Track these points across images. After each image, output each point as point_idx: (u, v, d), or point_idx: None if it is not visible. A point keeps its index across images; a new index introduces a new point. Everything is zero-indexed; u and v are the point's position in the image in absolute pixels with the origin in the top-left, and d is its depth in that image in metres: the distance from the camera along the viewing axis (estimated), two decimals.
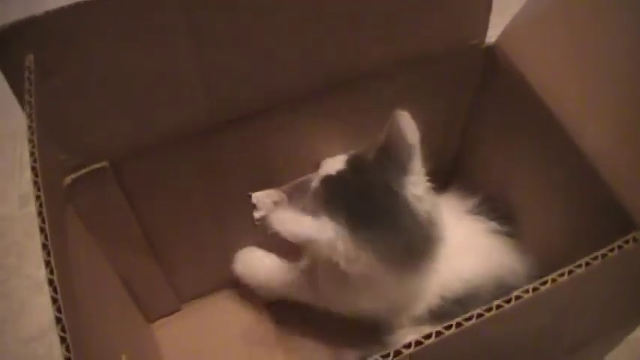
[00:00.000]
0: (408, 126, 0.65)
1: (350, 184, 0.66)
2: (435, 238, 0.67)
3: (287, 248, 0.81)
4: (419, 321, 0.70)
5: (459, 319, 0.38)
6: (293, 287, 0.79)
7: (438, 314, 0.69)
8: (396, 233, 0.64)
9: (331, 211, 0.63)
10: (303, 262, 0.78)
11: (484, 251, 0.72)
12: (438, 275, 0.69)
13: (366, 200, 0.64)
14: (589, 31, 0.64)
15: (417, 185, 0.65)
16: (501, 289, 0.68)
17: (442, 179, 0.80)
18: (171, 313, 0.88)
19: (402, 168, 0.65)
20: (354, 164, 0.67)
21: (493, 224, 0.75)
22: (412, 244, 0.65)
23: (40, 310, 0.94)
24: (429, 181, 0.68)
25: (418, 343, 0.36)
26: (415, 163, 0.65)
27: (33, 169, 0.43)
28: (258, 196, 0.78)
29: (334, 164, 0.69)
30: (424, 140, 0.85)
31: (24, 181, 1.11)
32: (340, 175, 0.67)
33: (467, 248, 0.72)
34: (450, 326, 0.37)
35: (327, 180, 0.67)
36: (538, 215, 0.76)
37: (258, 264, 0.82)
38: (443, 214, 0.70)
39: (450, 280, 0.69)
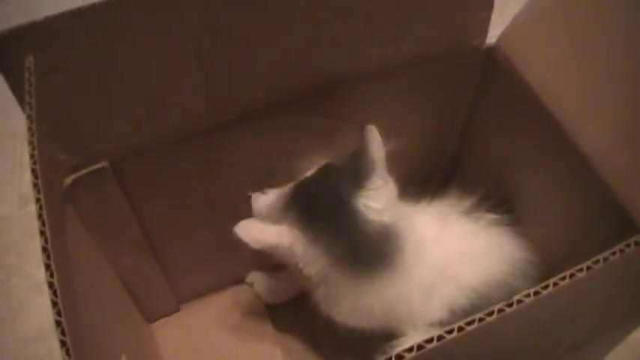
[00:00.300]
0: (374, 141, 0.67)
1: (310, 190, 0.68)
2: (390, 249, 0.67)
3: None
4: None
5: (460, 324, 0.38)
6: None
7: (445, 324, 0.68)
8: (343, 239, 0.65)
9: (290, 218, 0.66)
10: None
11: (488, 254, 0.72)
12: (444, 288, 0.69)
13: (320, 207, 0.66)
14: (589, 31, 0.64)
15: (374, 198, 0.66)
16: (508, 289, 0.68)
17: (442, 179, 0.80)
18: (171, 313, 0.88)
19: (361, 179, 0.67)
20: (322, 172, 0.69)
21: (492, 216, 0.74)
22: (360, 251, 0.66)
23: (40, 309, 0.94)
24: (421, 185, 0.71)
25: (420, 347, 0.36)
26: (375, 178, 0.67)
27: (33, 171, 0.43)
28: (258, 196, 0.78)
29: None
30: (424, 139, 0.85)
31: (24, 180, 1.11)
32: (305, 181, 0.69)
33: (470, 257, 0.72)
34: (452, 330, 0.37)
35: (295, 187, 0.69)
36: (538, 215, 0.76)
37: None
38: (431, 225, 0.72)
39: (458, 293, 0.69)
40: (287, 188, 0.70)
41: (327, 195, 0.66)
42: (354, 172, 0.67)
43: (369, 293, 0.68)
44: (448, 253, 0.70)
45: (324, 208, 0.66)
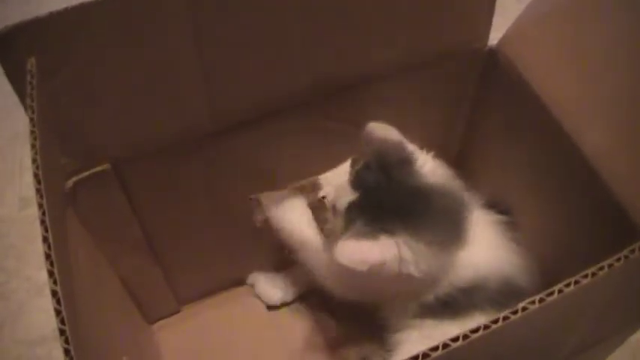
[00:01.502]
0: (386, 129, 0.66)
1: (377, 199, 0.65)
2: (465, 204, 0.69)
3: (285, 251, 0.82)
4: (424, 311, 0.70)
5: (465, 332, 0.38)
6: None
7: (444, 301, 0.68)
8: (441, 218, 0.65)
9: (382, 229, 0.62)
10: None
11: (493, 242, 0.73)
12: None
13: (402, 205, 0.64)
14: (589, 33, 0.64)
15: (426, 164, 0.67)
16: (504, 285, 0.68)
17: None
18: (172, 314, 0.88)
19: (406, 162, 0.66)
20: (364, 184, 0.66)
21: (500, 217, 0.75)
22: (455, 220, 0.67)
23: (40, 312, 0.93)
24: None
25: (425, 355, 0.36)
26: (412, 151, 0.67)
27: (35, 175, 0.42)
28: (259, 199, 0.78)
29: (342, 191, 0.68)
30: (425, 141, 0.85)
31: (24, 183, 1.11)
32: (363, 197, 0.66)
33: (478, 237, 0.72)
34: (457, 338, 0.37)
35: (354, 206, 0.66)
36: (538, 216, 0.76)
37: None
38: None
39: (460, 266, 0.69)
40: (344, 204, 0.66)
41: (399, 190, 0.65)
42: (394, 163, 0.65)
43: (456, 257, 0.67)
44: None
45: (409, 203, 0.64)
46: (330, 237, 0.73)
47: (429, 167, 0.67)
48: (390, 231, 0.62)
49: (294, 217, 0.77)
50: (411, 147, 0.67)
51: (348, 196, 0.66)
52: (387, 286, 0.67)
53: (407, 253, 0.62)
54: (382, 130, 0.65)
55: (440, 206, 0.65)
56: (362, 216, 0.64)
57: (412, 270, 0.62)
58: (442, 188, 0.66)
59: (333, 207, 0.68)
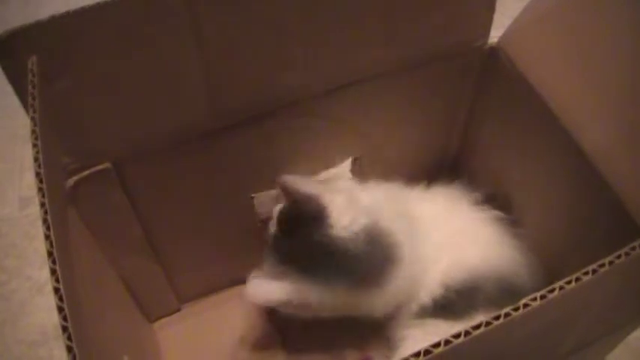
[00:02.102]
0: (302, 183, 0.68)
1: (286, 246, 0.69)
2: (386, 247, 0.68)
3: None
4: (423, 313, 0.71)
5: (467, 328, 0.38)
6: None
7: (441, 304, 0.70)
8: (342, 272, 0.66)
9: (287, 274, 0.67)
10: None
11: (486, 240, 0.73)
12: (441, 263, 0.70)
13: (306, 258, 0.67)
14: (590, 31, 0.64)
15: (341, 218, 0.67)
16: (503, 284, 0.69)
17: (443, 178, 0.80)
18: (172, 313, 0.88)
19: (318, 217, 0.67)
20: (281, 228, 0.70)
21: (495, 213, 0.76)
22: (363, 266, 0.67)
23: (41, 311, 0.93)
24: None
25: (427, 352, 0.36)
26: (325, 204, 0.67)
27: (37, 174, 0.43)
28: (261, 198, 0.78)
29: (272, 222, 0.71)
30: (425, 139, 0.85)
31: (24, 182, 1.11)
32: (277, 238, 0.70)
33: (469, 237, 0.74)
34: (459, 335, 0.37)
35: (273, 241, 0.70)
36: (539, 215, 0.76)
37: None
38: (432, 205, 0.75)
39: (453, 268, 0.70)
40: (270, 234, 0.71)
41: (302, 242, 0.67)
42: (308, 213, 0.67)
43: (384, 292, 0.68)
44: (449, 230, 0.73)
45: (308, 255, 0.66)
46: None
47: (344, 221, 0.67)
48: (293, 277, 0.66)
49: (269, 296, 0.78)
50: (327, 199, 0.67)
51: (273, 227, 0.70)
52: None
53: (313, 297, 0.66)
54: (296, 183, 0.68)
55: (343, 262, 0.66)
56: (275, 254, 0.69)
57: (322, 308, 0.67)
58: (351, 243, 0.66)
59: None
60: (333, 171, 0.79)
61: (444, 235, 0.72)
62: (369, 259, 0.66)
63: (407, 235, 0.69)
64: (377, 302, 0.69)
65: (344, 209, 0.67)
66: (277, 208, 0.71)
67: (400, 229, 0.69)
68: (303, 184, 0.68)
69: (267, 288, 0.67)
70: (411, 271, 0.69)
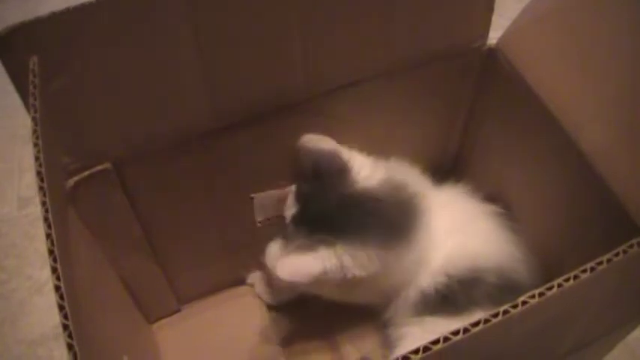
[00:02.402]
0: (321, 140, 0.68)
1: (314, 211, 0.68)
2: (410, 199, 0.69)
3: None
4: (423, 305, 0.71)
5: (466, 325, 0.38)
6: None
7: (442, 293, 0.70)
8: (378, 221, 0.66)
9: (320, 240, 0.65)
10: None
11: (487, 234, 0.74)
12: (444, 249, 0.71)
13: (338, 214, 0.66)
14: (588, 32, 0.65)
15: (362, 170, 0.68)
16: (502, 279, 0.70)
17: (442, 178, 0.80)
18: (172, 314, 0.88)
19: (341, 171, 0.68)
20: (303, 197, 0.69)
21: (495, 210, 0.76)
22: (395, 219, 0.67)
23: (40, 311, 0.93)
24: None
25: (426, 348, 0.36)
26: (347, 159, 0.68)
27: (38, 173, 0.43)
28: (260, 198, 0.78)
29: (289, 204, 0.71)
30: (424, 140, 0.85)
31: (23, 182, 1.12)
32: (303, 209, 0.69)
33: (472, 227, 0.74)
34: (458, 332, 0.37)
35: (296, 219, 0.69)
36: (537, 214, 0.76)
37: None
38: (439, 194, 0.75)
39: (456, 256, 0.70)
40: (289, 217, 0.69)
41: (334, 200, 0.66)
42: (331, 173, 0.68)
43: (404, 259, 0.68)
44: (452, 219, 0.73)
45: (339, 211, 0.66)
46: None
47: (365, 172, 0.68)
48: (327, 241, 0.64)
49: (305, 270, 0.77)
50: (347, 155, 0.68)
51: (292, 208, 0.69)
52: (355, 286, 0.68)
53: (347, 260, 0.64)
54: (316, 141, 0.68)
55: (376, 210, 0.66)
56: (302, 229, 0.66)
57: (357, 272, 0.64)
58: (379, 191, 0.67)
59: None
60: None
61: (448, 223, 0.73)
62: (397, 206, 0.67)
63: (423, 189, 0.71)
64: (399, 269, 0.69)
65: (363, 163, 0.68)
66: (292, 188, 0.71)
67: (416, 183, 0.71)
68: (323, 141, 0.68)
69: (303, 262, 0.63)
70: (427, 237, 0.70)
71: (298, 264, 0.63)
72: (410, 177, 0.73)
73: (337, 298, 0.72)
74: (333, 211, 0.66)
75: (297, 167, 0.71)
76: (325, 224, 0.65)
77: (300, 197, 0.69)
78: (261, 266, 0.89)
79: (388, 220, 0.67)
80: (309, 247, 0.64)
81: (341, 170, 0.67)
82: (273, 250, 0.69)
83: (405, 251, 0.68)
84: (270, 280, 0.88)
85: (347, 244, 0.64)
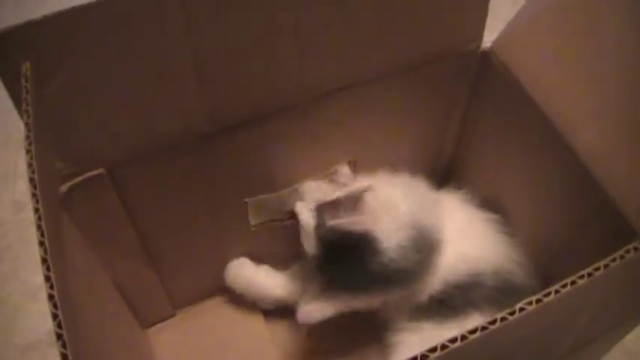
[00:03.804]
0: (350, 223, 0.68)
1: (332, 270, 0.70)
2: (431, 245, 0.70)
3: (280, 256, 0.83)
4: (420, 310, 0.71)
5: (463, 332, 0.38)
6: (291, 295, 0.82)
7: (438, 300, 0.70)
8: (395, 282, 0.68)
9: (334, 293, 0.70)
10: (296, 268, 0.83)
11: (484, 239, 0.74)
12: (444, 257, 0.71)
13: (358, 279, 0.68)
14: (583, 34, 0.65)
15: (387, 240, 0.67)
16: (499, 281, 0.70)
17: (438, 182, 0.80)
18: (167, 319, 0.88)
19: (368, 243, 0.67)
20: (326, 249, 0.70)
21: (491, 215, 0.76)
22: (415, 274, 0.69)
23: (35, 316, 0.93)
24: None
25: (424, 356, 0.36)
26: (374, 234, 0.67)
27: (31, 180, 0.42)
28: (255, 202, 0.78)
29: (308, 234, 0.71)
30: (419, 143, 0.85)
31: (18, 186, 1.11)
32: (323, 259, 0.70)
33: (469, 233, 0.74)
34: (455, 339, 0.37)
35: (317, 260, 0.71)
36: (533, 217, 0.76)
37: (252, 276, 0.85)
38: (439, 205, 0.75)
39: (454, 262, 0.70)
40: (310, 249, 0.71)
41: (351, 268, 0.68)
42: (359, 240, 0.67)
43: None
44: (452, 226, 0.73)
45: (358, 277, 0.68)
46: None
47: (393, 240, 0.67)
48: (339, 297, 0.70)
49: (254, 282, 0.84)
50: (373, 226, 0.67)
51: (312, 246, 0.70)
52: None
53: (357, 305, 0.71)
54: (349, 224, 0.68)
55: (394, 275, 0.67)
56: (321, 276, 0.71)
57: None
58: (401, 256, 0.67)
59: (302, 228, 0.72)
60: (312, 184, 0.80)
61: (447, 231, 0.72)
62: (420, 263, 0.68)
63: (441, 221, 0.72)
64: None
65: (389, 229, 0.67)
66: (304, 208, 0.72)
67: (438, 219, 0.71)
68: (353, 221, 0.68)
69: (318, 311, 0.70)
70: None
71: (315, 312, 0.70)
72: (425, 203, 0.73)
73: None
74: (352, 277, 0.68)
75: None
76: (344, 285, 0.69)
77: (322, 242, 0.70)
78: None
79: (407, 278, 0.69)
80: (326, 294, 0.70)
81: (367, 244, 0.67)
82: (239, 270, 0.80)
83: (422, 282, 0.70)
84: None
85: (363, 297, 0.70)
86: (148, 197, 0.70)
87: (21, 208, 1.08)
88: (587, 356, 0.70)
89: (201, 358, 0.84)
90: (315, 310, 0.70)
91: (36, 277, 0.97)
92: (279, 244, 0.83)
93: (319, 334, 0.84)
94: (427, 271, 0.69)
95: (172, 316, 0.88)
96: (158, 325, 0.87)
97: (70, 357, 0.35)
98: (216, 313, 0.89)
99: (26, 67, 0.49)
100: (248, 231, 0.80)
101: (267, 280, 0.84)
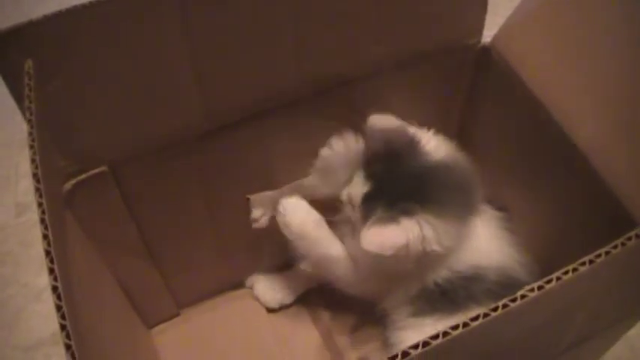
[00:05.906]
0: (386, 119, 0.68)
1: (391, 186, 0.67)
2: (472, 174, 0.71)
3: (281, 253, 0.82)
4: (423, 302, 0.71)
5: (466, 320, 0.38)
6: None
7: (442, 289, 0.69)
8: (453, 192, 0.68)
9: (402, 210, 0.64)
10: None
11: (491, 233, 0.74)
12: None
13: (416, 186, 0.66)
14: (583, 29, 0.65)
15: (429, 142, 0.69)
16: (502, 276, 0.70)
17: None
18: (170, 318, 0.88)
19: (411, 145, 0.68)
20: (376, 174, 0.69)
21: (492, 211, 0.76)
22: (465, 191, 0.69)
23: (37, 318, 0.93)
24: None
25: (425, 343, 0.36)
26: (414, 134, 0.69)
27: (34, 175, 0.43)
28: (257, 199, 0.78)
29: (355, 185, 0.70)
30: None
31: (20, 190, 1.11)
32: (377, 186, 0.68)
33: (477, 227, 0.73)
34: (458, 326, 0.37)
35: (370, 196, 0.68)
36: (534, 211, 0.76)
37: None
38: None
39: (459, 252, 0.70)
40: (360, 196, 0.69)
41: (405, 171, 0.67)
42: (401, 148, 0.68)
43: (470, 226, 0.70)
44: None
45: (416, 183, 0.66)
46: (342, 229, 0.75)
47: (432, 145, 0.69)
48: (408, 212, 0.64)
49: (312, 231, 0.76)
50: (412, 129, 0.69)
51: (362, 187, 0.69)
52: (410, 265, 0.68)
53: (428, 231, 0.64)
54: (383, 120, 0.68)
55: (450, 180, 0.68)
56: (379, 203, 0.66)
57: (435, 247, 0.65)
58: (449, 163, 0.68)
59: (349, 201, 0.70)
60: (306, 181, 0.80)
61: None
62: (467, 180, 0.69)
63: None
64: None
65: (429, 136, 0.69)
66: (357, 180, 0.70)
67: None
68: (390, 119, 0.68)
69: (388, 232, 0.63)
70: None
71: (382, 235, 0.63)
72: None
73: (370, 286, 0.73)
74: (410, 183, 0.66)
75: (365, 148, 0.72)
76: (403, 197, 0.65)
77: (370, 175, 0.69)
78: (260, 268, 0.89)
79: (462, 191, 0.69)
80: (390, 219, 0.64)
81: (410, 144, 0.68)
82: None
83: (468, 227, 0.69)
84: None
85: (428, 214, 0.64)
86: (150, 195, 0.70)
87: (23, 211, 1.08)
88: (590, 349, 0.70)
89: (205, 357, 0.84)
90: (385, 232, 0.63)
91: (38, 279, 0.97)
92: (281, 241, 0.83)
93: (321, 332, 0.85)
94: (475, 204, 0.70)
95: (176, 315, 0.88)
96: (162, 325, 0.87)
97: (74, 347, 0.35)
98: (219, 312, 0.89)
99: (28, 64, 0.49)
100: (249, 228, 0.81)
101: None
